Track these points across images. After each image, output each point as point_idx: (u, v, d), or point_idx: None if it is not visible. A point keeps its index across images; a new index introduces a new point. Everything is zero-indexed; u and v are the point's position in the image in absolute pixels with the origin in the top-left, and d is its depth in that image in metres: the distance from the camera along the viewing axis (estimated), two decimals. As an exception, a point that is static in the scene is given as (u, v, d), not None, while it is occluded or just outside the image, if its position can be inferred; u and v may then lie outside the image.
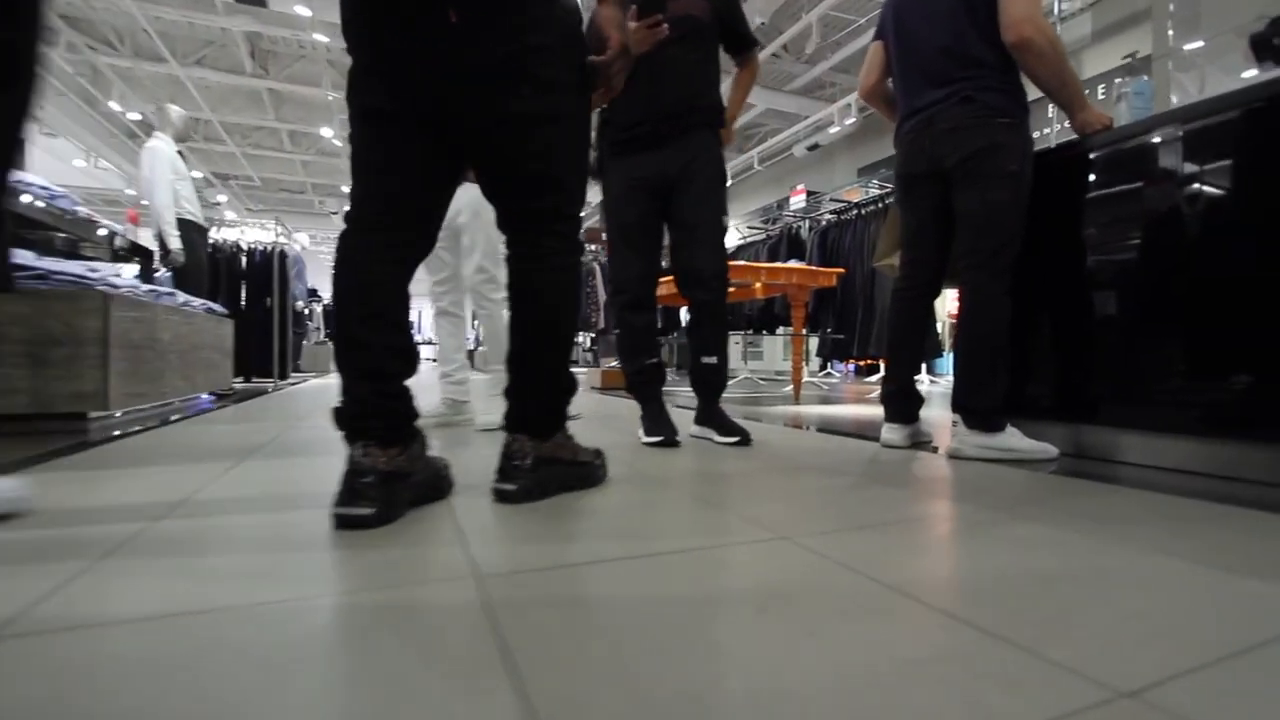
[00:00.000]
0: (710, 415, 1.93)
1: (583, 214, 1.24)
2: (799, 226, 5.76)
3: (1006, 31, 1.50)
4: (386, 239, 1.06)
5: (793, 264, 3.83)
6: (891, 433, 1.77)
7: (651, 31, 1.56)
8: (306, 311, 7.57)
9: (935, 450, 1.71)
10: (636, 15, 1.60)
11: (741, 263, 3.73)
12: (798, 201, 6.07)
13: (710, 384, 1.94)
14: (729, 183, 2.18)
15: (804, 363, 3.88)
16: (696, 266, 1.85)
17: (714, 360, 1.91)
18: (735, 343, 8.11)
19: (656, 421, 1.84)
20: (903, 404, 1.78)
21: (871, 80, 1.86)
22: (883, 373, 1.83)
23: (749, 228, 6.72)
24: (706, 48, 1.87)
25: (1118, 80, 1.58)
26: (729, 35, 1.96)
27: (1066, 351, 1.65)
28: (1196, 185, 1.37)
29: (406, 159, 1.06)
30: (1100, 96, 5.76)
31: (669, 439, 1.79)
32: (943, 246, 1.71)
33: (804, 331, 3.81)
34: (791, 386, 3.83)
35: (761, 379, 5.88)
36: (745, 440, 1.82)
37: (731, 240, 7.57)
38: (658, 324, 1.94)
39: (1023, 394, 1.71)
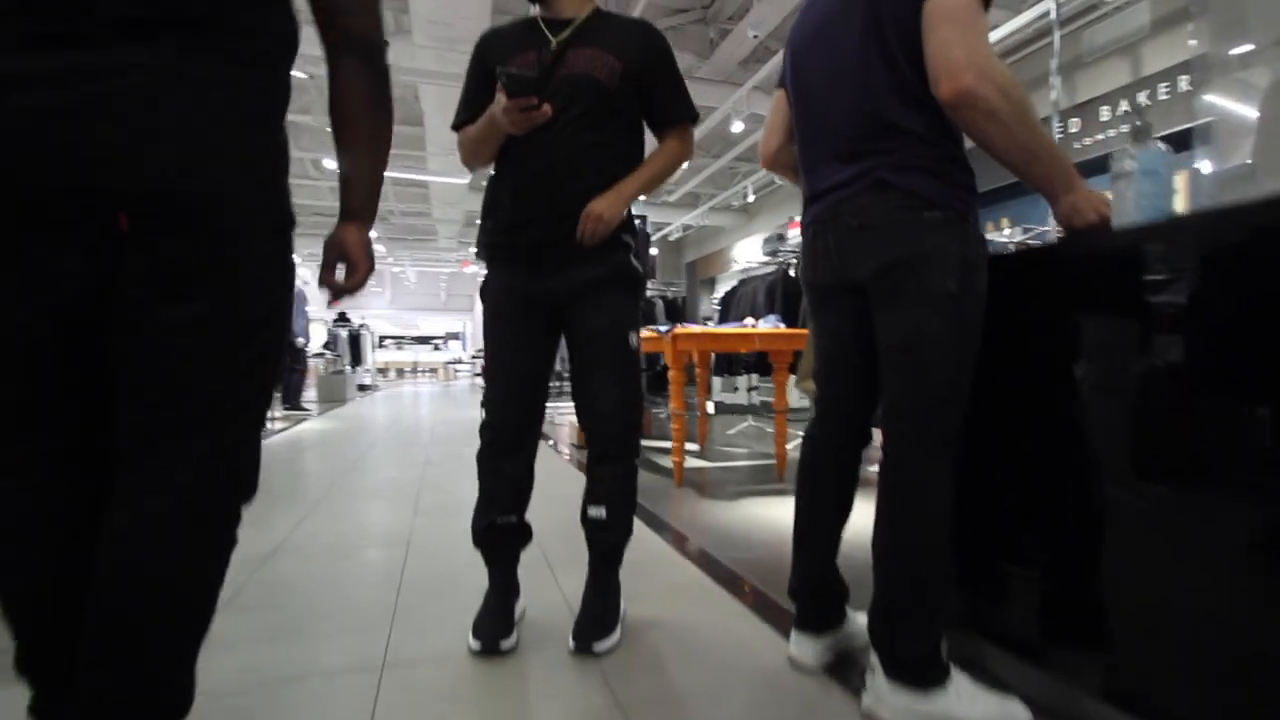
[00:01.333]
0: (593, 593, 1.50)
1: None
2: (792, 265, 5.21)
3: (939, 83, 1.00)
4: None
5: (770, 323, 3.33)
6: (800, 647, 1.29)
7: (526, 115, 1.29)
8: (304, 344, 7.45)
9: (858, 691, 1.19)
10: (504, 89, 1.26)
11: (724, 329, 3.24)
12: (796, 235, 5.52)
13: (600, 546, 1.50)
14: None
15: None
16: (596, 409, 1.45)
17: (601, 513, 1.47)
18: (736, 386, 7.56)
19: (490, 612, 1.42)
20: (816, 605, 1.30)
21: (773, 145, 1.39)
22: (792, 557, 1.34)
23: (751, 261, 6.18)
24: (612, 124, 1.41)
25: (1115, 151, 1.02)
26: (649, 105, 1.48)
27: (1050, 547, 1.14)
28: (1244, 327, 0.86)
29: None
30: (1164, 96, 4.98)
31: (489, 644, 1.36)
32: (867, 383, 1.22)
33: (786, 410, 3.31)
34: (777, 459, 3.34)
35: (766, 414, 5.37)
36: (604, 637, 1.39)
37: (732, 275, 7.09)
38: (531, 471, 1.51)
39: (977, 606, 1.21)
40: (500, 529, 1.47)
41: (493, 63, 1.42)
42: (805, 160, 1.28)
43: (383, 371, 18.54)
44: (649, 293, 6.89)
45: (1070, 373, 1.08)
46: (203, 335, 0.70)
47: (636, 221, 1.54)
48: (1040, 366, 1.14)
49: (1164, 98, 5.02)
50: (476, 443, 1.50)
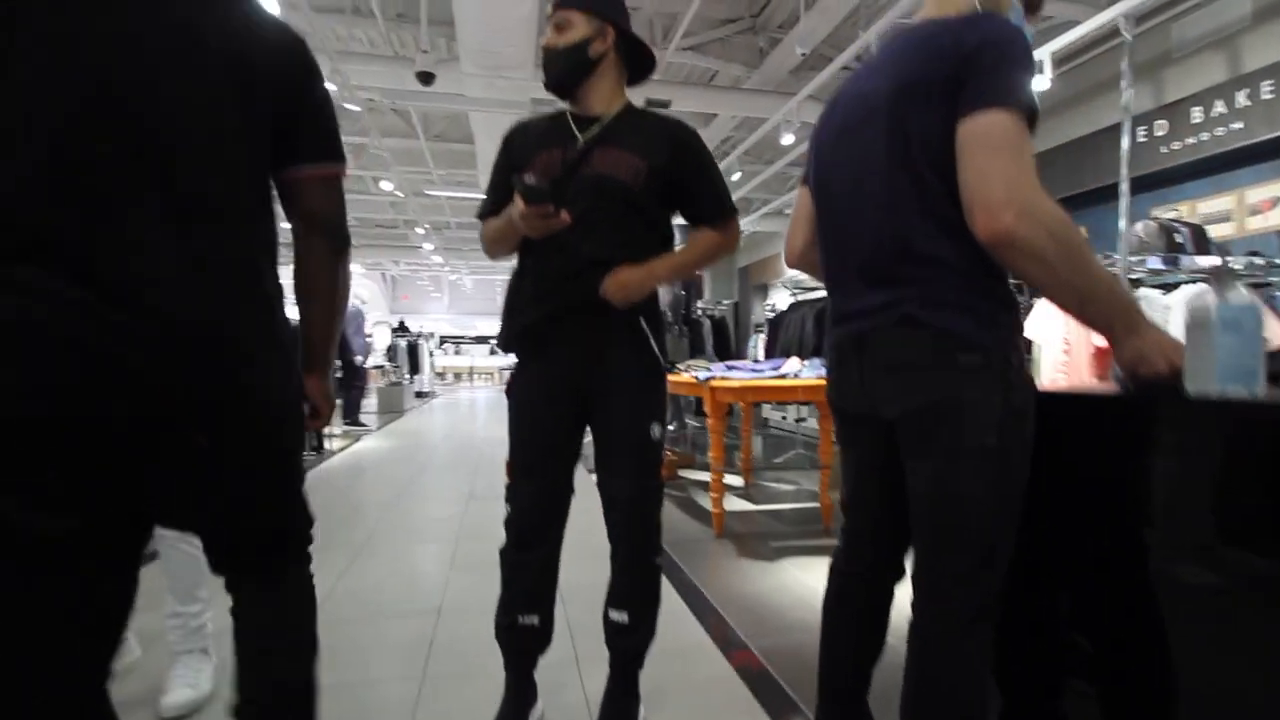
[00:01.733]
0: (611, 701, 1.46)
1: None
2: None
3: (974, 219, 0.87)
4: None
5: (815, 367, 3.17)
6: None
7: (544, 221, 1.29)
8: (362, 361, 7.71)
9: None
10: (523, 198, 1.27)
11: (764, 380, 3.11)
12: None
13: (620, 651, 1.47)
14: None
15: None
16: (615, 503, 1.43)
17: (623, 618, 1.44)
18: (783, 416, 7.31)
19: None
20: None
21: (798, 244, 1.28)
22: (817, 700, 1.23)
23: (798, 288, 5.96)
24: (638, 222, 1.39)
25: (1197, 284, 0.87)
26: (681, 203, 1.46)
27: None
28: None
29: None
30: (1267, 95, 4.48)
31: None
32: (899, 517, 1.10)
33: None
34: (822, 509, 3.19)
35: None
36: None
37: (782, 300, 6.83)
38: (556, 563, 1.48)
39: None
40: (521, 631, 1.44)
41: (518, 158, 1.42)
42: (829, 270, 1.17)
43: (441, 375, 19.13)
44: (697, 311, 6.77)
45: (1141, 545, 0.93)
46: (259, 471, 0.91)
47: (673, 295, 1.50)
48: (1099, 536, 0.99)
49: (1268, 97, 4.52)
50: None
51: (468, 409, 11.13)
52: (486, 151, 7.88)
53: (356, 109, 5.83)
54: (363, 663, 1.88)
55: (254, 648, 0.93)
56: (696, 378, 3.07)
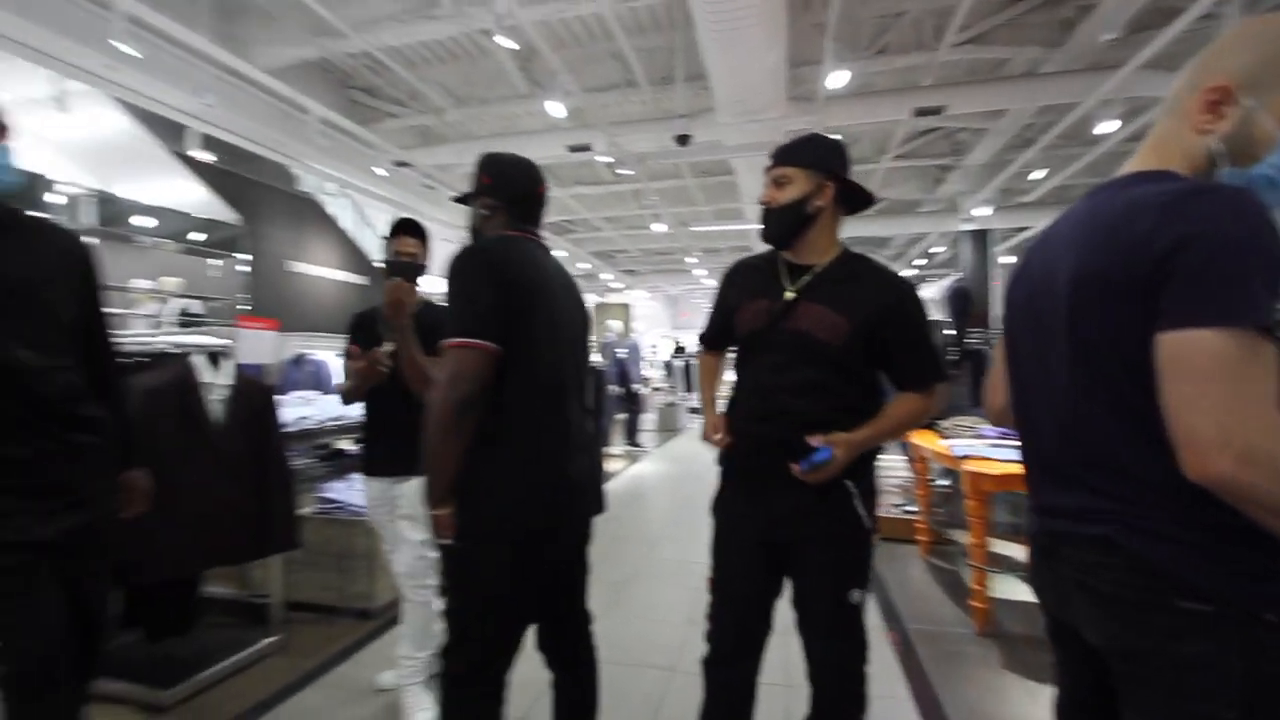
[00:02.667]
0: None
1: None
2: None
3: (1182, 457, 0.68)
4: None
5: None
6: None
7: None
8: (638, 389, 8.54)
9: None
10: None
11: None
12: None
13: None
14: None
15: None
16: (807, 643, 1.42)
17: None
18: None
19: None
20: None
21: (999, 401, 1.09)
22: None
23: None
24: (836, 380, 1.35)
25: None
26: (888, 364, 1.40)
27: None
28: None
29: None
30: None
31: None
32: None
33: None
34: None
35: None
36: None
37: None
38: (752, 693, 1.48)
39: None
40: None
41: (734, 300, 1.50)
42: (1023, 444, 0.98)
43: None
44: (975, 338, 5.89)
45: None
46: None
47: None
48: None
49: None
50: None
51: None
52: (746, 185, 8.09)
53: (630, 171, 6.58)
54: None
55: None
56: (953, 451, 2.71)
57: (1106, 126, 5.95)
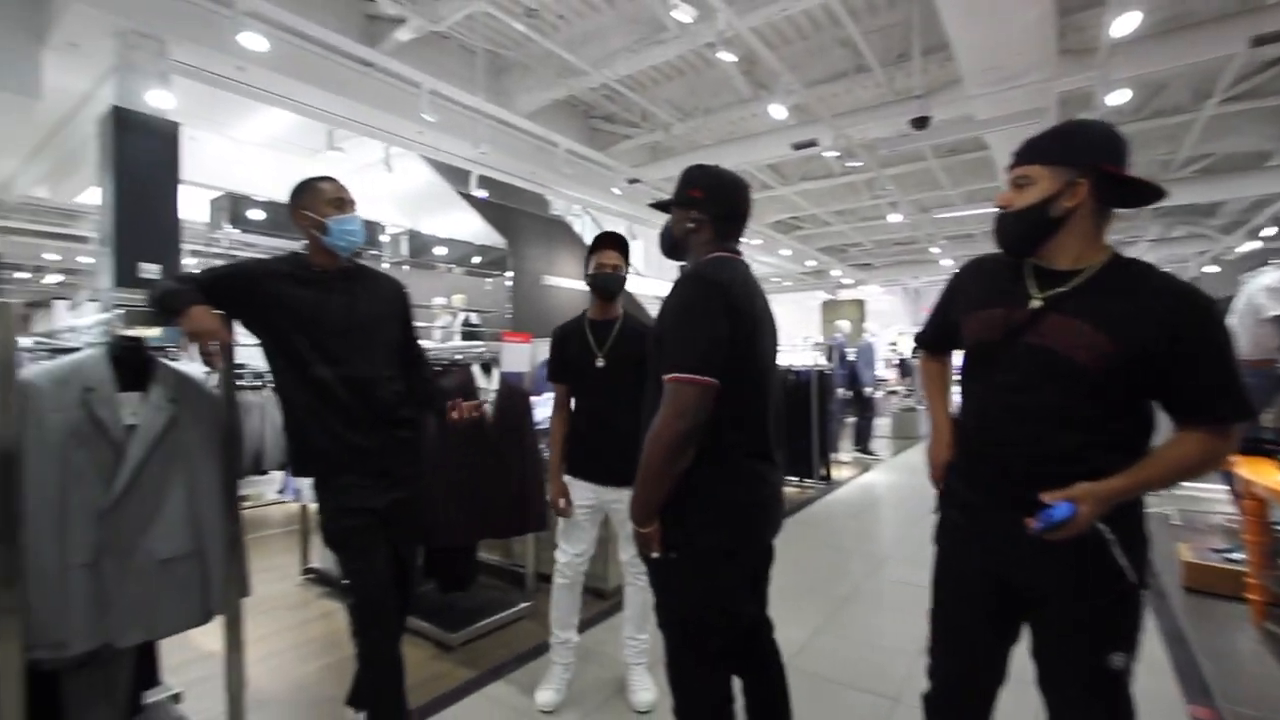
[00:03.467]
0: None
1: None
2: None
3: None
4: None
5: None
6: None
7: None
8: (871, 393, 7.99)
9: None
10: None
11: None
12: None
13: None
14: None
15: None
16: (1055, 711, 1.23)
17: None
18: None
19: None
20: None
21: None
22: None
23: None
24: (1092, 412, 1.12)
25: None
26: (1168, 391, 1.11)
27: None
28: None
29: None
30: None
31: None
32: None
33: None
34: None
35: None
36: None
37: None
38: None
39: None
40: None
41: (960, 303, 1.35)
42: None
43: (967, 392, 17.67)
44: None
45: None
46: None
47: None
48: None
49: None
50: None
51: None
52: (1005, 160, 7.03)
53: (859, 163, 6.21)
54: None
55: None
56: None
57: None
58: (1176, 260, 13.14)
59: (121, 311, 1.58)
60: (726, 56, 4.46)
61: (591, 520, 2.25)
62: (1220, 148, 8.06)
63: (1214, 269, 12.77)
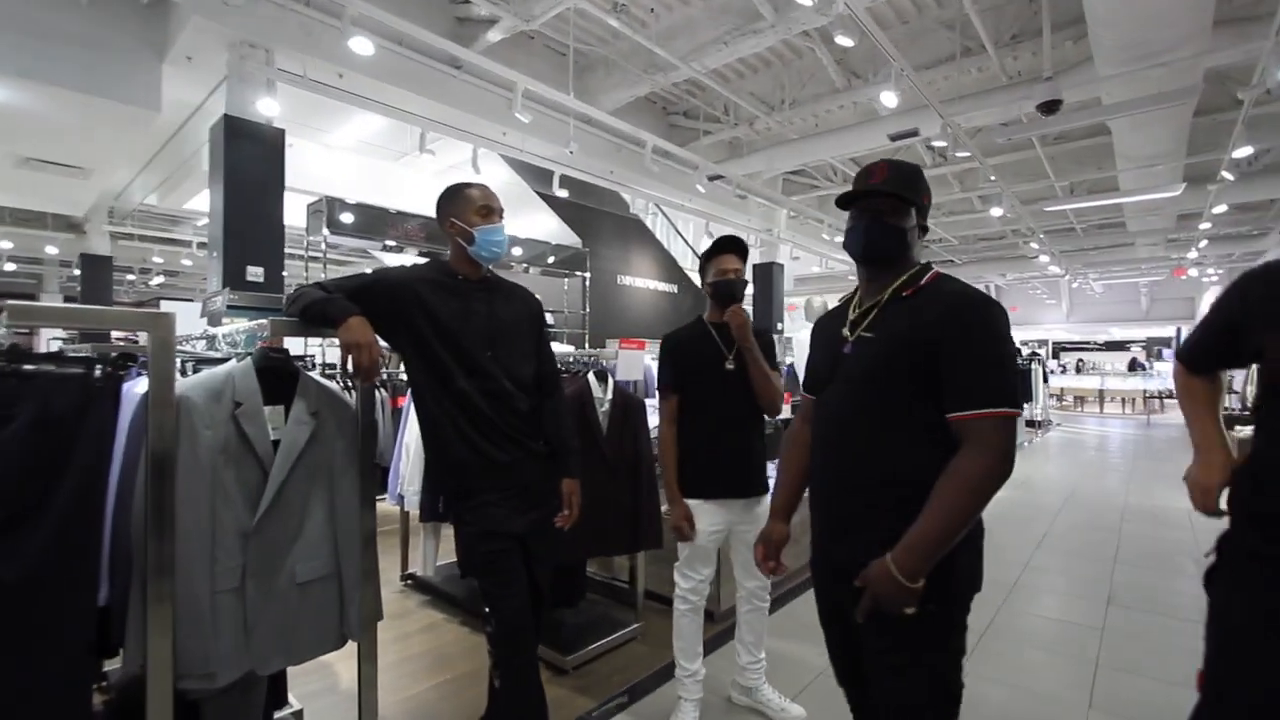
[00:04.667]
0: None
1: None
2: None
3: None
4: None
5: None
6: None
7: None
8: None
9: None
10: None
11: None
12: None
13: None
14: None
15: None
16: None
17: None
18: None
19: None
20: None
21: None
22: None
23: None
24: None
25: None
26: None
27: None
28: None
29: None
30: None
31: None
32: None
33: None
34: None
35: None
36: None
37: None
38: None
39: None
40: None
41: (1259, 316, 1.15)
42: None
43: (1058, 398, 16.47)
44: None
45: None
46: None
47: None
48: None
49: None
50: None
51: (1096, 452, 9.27)
52: (1128, 146, 6.40)
53: (966, 153, 5.76)
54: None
55: None
56: None
57: None
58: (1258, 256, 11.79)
59: (266, 321, 1.50)
60: (845, 40, 4.17)
61: (716, 543, 2.12)
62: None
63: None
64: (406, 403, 3.42)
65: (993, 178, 6.70)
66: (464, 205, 1.65)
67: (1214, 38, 4.25)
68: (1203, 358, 1.32)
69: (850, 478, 1.23)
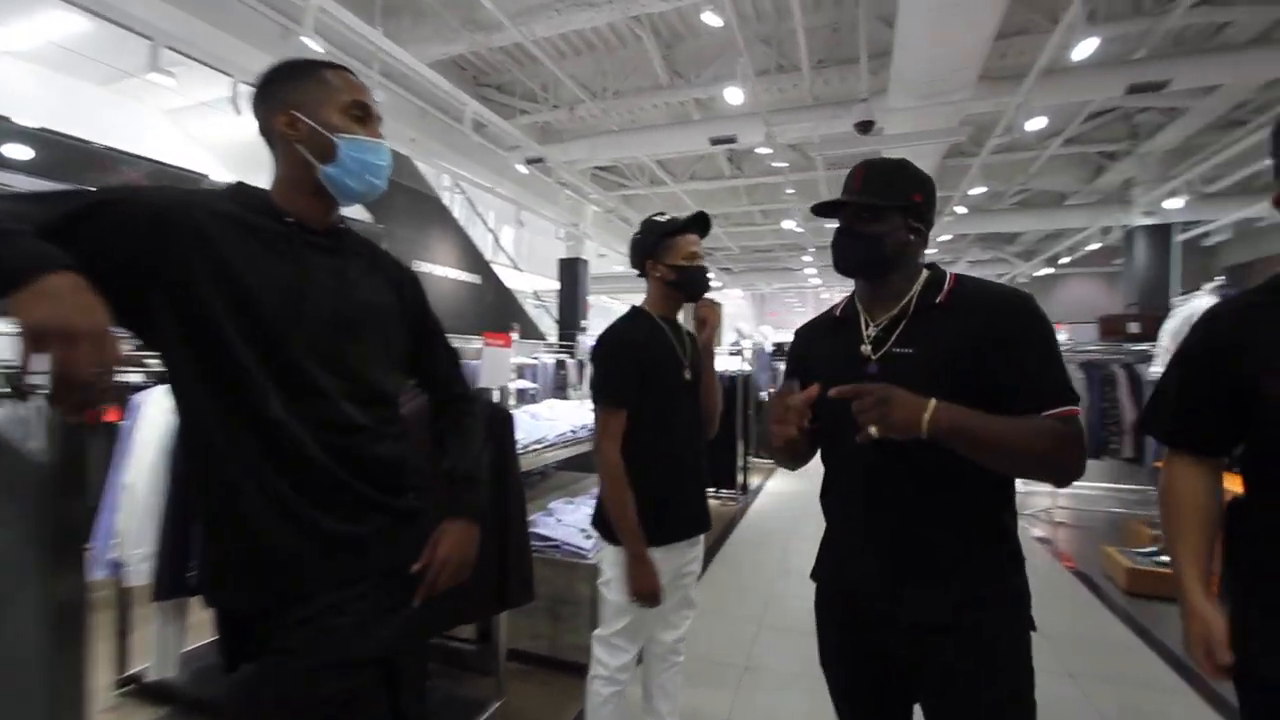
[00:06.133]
0: None
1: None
2: None
3: None
4: None
5: None
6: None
7: None
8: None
9: None
10: None
11: None
12: None
13: None
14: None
15: None
16: None
17: None
18: None
19: None
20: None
21: None
22: None
23: None
24: None
25: None
26: None
27: None
28: None
29: None
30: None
31: None
32: None
33: None
34: None
35: None
36: None
37: None
38: None
39: None
40: None
41: (1263, 356, 0.91)
42: None
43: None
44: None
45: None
46: None
47: None
48: None
49: None
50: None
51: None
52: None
53: (785, 164, 6.10)
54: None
55: None
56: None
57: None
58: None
59: None
60: (712, 20, 3.99)
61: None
62: (1040, 184, 9.33)
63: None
64: (127, 419, 2.25)
65: (790, 190, 7.25)
66: (318, 94, 0.96)
67: (977, 88, 5.00)
68: (1201, 428, 1.00)
69: (929, 512, 1.01)
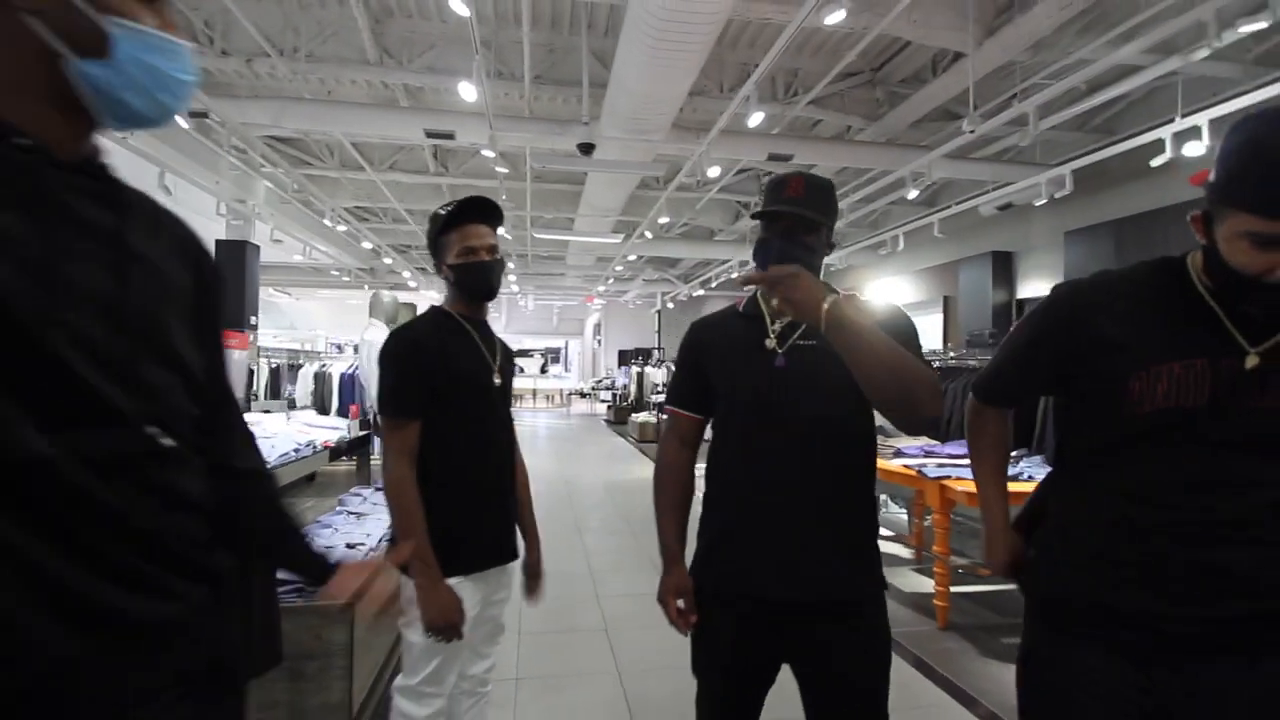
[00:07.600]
0: None
1: None
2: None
3: None
4: None
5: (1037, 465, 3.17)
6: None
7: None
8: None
9: None
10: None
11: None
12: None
13: None
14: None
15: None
16: None
17: None
18: None
19: None
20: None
21: None
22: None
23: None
24: None
25: None
26: None
27: None
28: None
29: None
30: None
31: None
32: None
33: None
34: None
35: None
36: None
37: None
38: None
39: None
40: None
41: (1122, 363, 0.95)
42: None
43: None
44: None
45: None
46: None
47: None
48: None
49: None
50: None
51: (551, 440, 11.27)
52: (594, 197, 8.08)
53: (505, 170, 6.09)
54: None
55: None
56: (919, 470, 3.11)
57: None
58: (648, 296, 17.64)
59: None
60: (460, 9, 3.72)
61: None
62: (698, 221, 11.30)
63: (670, 306, 17.60)
64: None
65: (504, 197, 7.30)
66: None
67: (670, 133, 5.82)
68: (1016, 389, 1.18)
69: (821, 496, 1.15)
